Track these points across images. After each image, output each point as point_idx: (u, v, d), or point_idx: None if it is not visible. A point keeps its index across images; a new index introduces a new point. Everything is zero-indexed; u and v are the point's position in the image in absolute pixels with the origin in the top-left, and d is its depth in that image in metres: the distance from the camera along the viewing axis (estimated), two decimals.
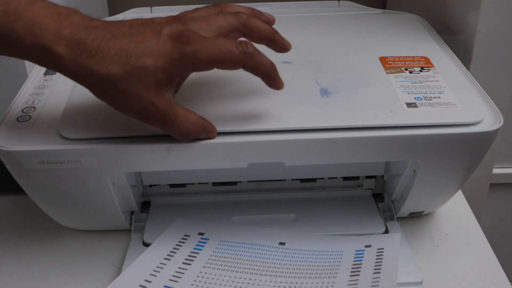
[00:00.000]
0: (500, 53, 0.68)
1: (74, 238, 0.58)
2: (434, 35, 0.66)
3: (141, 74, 0.42)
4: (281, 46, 0.49)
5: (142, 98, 0.43)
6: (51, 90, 0.55)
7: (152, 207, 0.60)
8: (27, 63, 0.61)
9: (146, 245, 0.56)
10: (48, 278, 0.54)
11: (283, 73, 0.53)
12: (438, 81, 0.54)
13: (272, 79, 0.46)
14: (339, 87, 0.53)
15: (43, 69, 0.59)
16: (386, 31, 0.67)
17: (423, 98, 0.51)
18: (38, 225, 0.60)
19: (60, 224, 0.57)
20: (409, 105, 0.50)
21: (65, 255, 0.56)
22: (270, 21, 0.51)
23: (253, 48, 0.44)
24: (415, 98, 0.51)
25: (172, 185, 0.61)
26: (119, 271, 0.53)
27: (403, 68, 0.56)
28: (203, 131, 0.46)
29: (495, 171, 0.81)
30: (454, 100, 0.51)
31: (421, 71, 0.56)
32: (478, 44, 0.67)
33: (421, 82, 0.54)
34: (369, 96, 0.52)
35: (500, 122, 0.49)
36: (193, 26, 0.45)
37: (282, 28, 0.67)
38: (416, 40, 0.65)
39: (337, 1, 0.75)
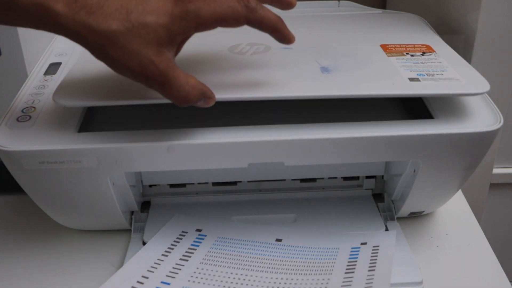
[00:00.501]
0: (500, 53, 0.68)
1: (74, 238, 0.58)
2: (435, 35, 0.66)
3: (141, 31, 0.41)
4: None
5: (141, 56, 0.41)
6: (51, 90, 0.55)
7: (152, 207, 0.60)
8: (27, 63, 0.61)
9: None
10: (48, 278, 0.54)
11: (283, 57, 0.52)
12: (440, 62, 0.53)
13: (280, 32, 0.45)
14: (339, 65, 0.52)
15: (43, 69, 0.60)
16: (386, 30, 0.67)
17: (426, 75, 0.50)
18: (38, 225, 0.60)
19: (60, 224, 0.57)
20: (412, 79, 0.49)
21: (65, 255, 0.56)
22: (291, 4, 0.48)
23: (255, 3, 0.43)
24: (417, 74, 0.50)
25: (172, 185, 0.61)
26: None
27: (404, 53, 0.55)
28: (202, 97, 0.45)
29: (495, 171, 0.81)
30: (457, 76, 0.50)
31: (422, 55, 0.55)
32: (478, 44, 0.67)
33: (423, 63, 0.53)
34: (371, 74, 0.51)
35: (500, 122, 0.49)
36: None
37: None
38: (416, 39, 0.64)
39: (337, 1, 0.75)
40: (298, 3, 0.74)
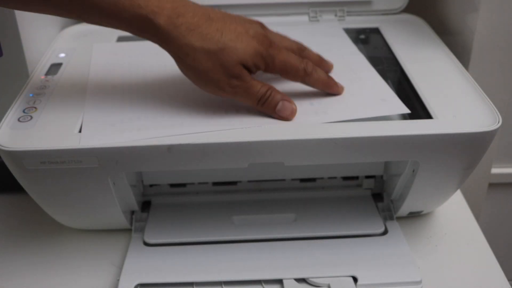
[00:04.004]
0: (499, 54, 0.68)
1: (74, 237, 0.58)
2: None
3: (231, 52, 0.48)
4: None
5: (228, 69, 0.48)
6: (52, 90, 0.56)
7: (153, 207, 0.61)
8: (29, 64, 0.61)
9: (147, 244, 0.56)
10: (48, 278, 0.54)
11: None
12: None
13: (329, 89, 0.54)
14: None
15: (44, 70, 0.60)
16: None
17: None
18: (38, 224, 0.60)
19: (60, 223, 0.58)
20: None
21: (66, 255, 0.56)
22: (329, 68, 0.59)
23: (311, 68, 0.52)
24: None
25: (172, 185, 0.61)
26: (119, 270, 0.53)
27: None
28: (280, 99, 0.50)
29: (494, 171, 0.81)
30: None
31: None
32: (477, 44, 0.67)
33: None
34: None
35: (498, 122, 0.49)
36: (271, 36, 0.54)
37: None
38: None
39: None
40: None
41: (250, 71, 0.50)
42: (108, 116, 0.51)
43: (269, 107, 0.50)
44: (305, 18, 0.73)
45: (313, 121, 0.50)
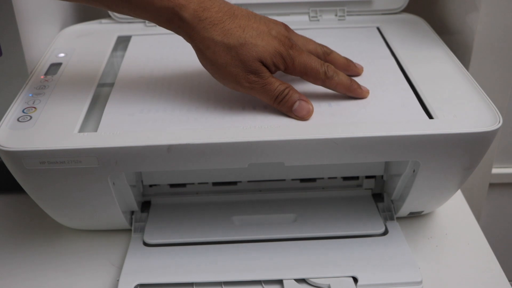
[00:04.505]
0: (500, 54, 0.68)
1: (74, 238, 0.58)
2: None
3: (251, 49, 0.49)
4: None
5: (247, 64, 0.49)
6: (51, 90, 0.56)
7: (152, 207, 0.61)
8: (28, 63, 0.61)
9: (147, 245, 0.56)
10: (48, 278, 0.54)
11: None
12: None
13: (352, 93, 0.54)
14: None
15: (44, 69, 0.60)
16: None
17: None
18: (38, 225, 0.60)
19: (60, 224, 0.58)
20: None
21: (65, 255, 0.56)
22: (358, 72, 0.59)
23: (332, 71, 0.52)
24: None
25: (172, 185, 0.61)
26: (119, 271, 0.53)
27: None
28: (298, 98, 0.51)
29: (494, 171, 0.81)
30: None
31: None
32: (477, 44, 0.67)
33: None
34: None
35: (499, 122, 0.49)
36: (294, 38, 0.54)
37: None
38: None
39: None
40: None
41: (269, 70, 0.51)
42: (130, 106, 0.53)
43: (286, 105, 0.51)
44: (305, 18, 0.73)
45: (328, 122, 0.50)
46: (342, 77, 0.53)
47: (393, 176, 0.58)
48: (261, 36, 0.50)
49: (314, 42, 0.57)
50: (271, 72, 0.51)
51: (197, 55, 0.51)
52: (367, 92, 0.54)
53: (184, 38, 0.51)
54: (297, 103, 0.51)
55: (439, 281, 0.52)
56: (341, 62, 0.57)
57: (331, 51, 0.57)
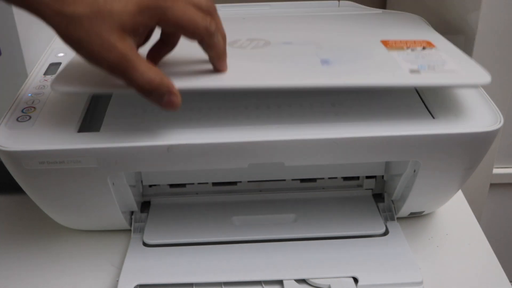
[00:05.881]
0: (500, 53, 0.68)
1: (73, 238, 0.58)
2: (435, 33, 0.66)
3: (106, 16, 0.42)
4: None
5: (104, 40, 0.42)
6: (51, 90, 0.55)
7: (152, 207, 0.60)
8: (27, 64, 0.61)
9: (146, 245, 0.56)
10: (48, 278, 0.54)
11: (282, 51, 0.52)
12: (440, 56, 0.52)
13: (219, 62, 0.48)
14: (339, 58, 0.52)
15: (43, 69, 0.60)
16: (387, 28, 0.67)
17: (427, 67, 0.49)
18: (38, 225, 0.60)
19: (60, 224, 0.58)
20: (413, 71, 0.49)
21: (65, 255, 0.56)
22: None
23: (215, 28, 0.45)
24: (418, 66, 0.50)
25: (172, 185, 0.61)
26: (119, 271, 0.53)
27: (404, 47, 0.55)
28: (166, 90, 0.44)
29: (495, 171, 0.81)
30: (458, 68, 0.50)
31: (423, 49, 0.54)
32: (478, 44, 0.67)
33: (424, 57, 0.52)
34: (371, 66, 0.51)
35: (500, 122, 0.49)
36: None
37: (281, 27, 0.67)
38: (417, 35, 0.64)
39: (337, 1, 0.75)
40: (298, 3, 0.75)
41: (139, 32, 0.44)
42: (131, 106, 0.52)
43: (153, 98, 0.44)
44: None
45: (328, 122, 0.49)
46: (221, 39, 0.47)
47: (393, 176, 0.58)
48: None
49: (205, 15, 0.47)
50: (143, 37, 0.45)
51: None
52: (226, 69, 0.49)
53: (34, 15, 0.43)
54: (165, 98, 0.44)
55: (439, 281, 0.52)
56: (222, 34, 0.48)
57: (215, 12, 0.48)
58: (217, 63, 0.48)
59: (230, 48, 0.55)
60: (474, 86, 0.47)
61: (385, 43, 0.56)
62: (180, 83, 0.45)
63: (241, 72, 0.49)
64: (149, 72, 0.43)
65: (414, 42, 0.57)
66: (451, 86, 0.47)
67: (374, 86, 0.48)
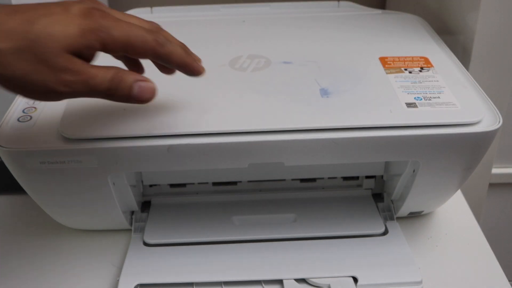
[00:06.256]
0: (500, 54, 0.68)
1: (74, 238, 0.58)
2: (434, 36, 0.66)
3: (48, 41, 0.38)
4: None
5: (53, 66, 0.38)
6: None
7: (153, 207, 0.61)
8: None
9: (147, 245, 0.56)
10: (48, 278, 0.54)
11: (283, 72, 0.53)
12: (437, 81, 0.54)
13: (187, 67, 0.44)
14: (339, 87, 0.53)
15: None
16: (386, 32, 0.68)
17: (423, 98, 0.51)
18: (38, 225, 0.60)
19: (60, 224, 0.58)
20: (409, 105, 0.50)
21: (66, 255, 0.56)
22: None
23: (164, 38, 0.42)
24: (414, 98, 0.51)
25: (172, 185, 0.61)
26: (119, 271, 0.53)
27: (402, 68, 0.56)
28: (134, 78, 0.42)
29: (494, 171, 0.81)
30: (454, 100, 0.51)
31: (420, 71, 0.56)
32: (477, 44, 0.67)
33: (421, 82, 0.54)
34: (369, 96, 0.52)
35: (499, 122, 0.49)
36: (107, 10, 0.42)
37: (281, 29, 0.67)
38: (415, 41, 0.65)
39: (336, 2, 0.75)
40: (297, 3, 0.75)
41: (84, 58, 0.40)
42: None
43: (122, 94, 0.41)
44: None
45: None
46: (176, 45, 0.43)
47: (393, 176, 0.58)
48: (56, 20, 0.38)
49: (138, 17, 0.44)
50: (88, 60, 0.41)
51: None
52: (203, 69, 0.45)
53: None
54: (136, 87, 0.41)
55: (439, 281, 0.52)
56: (176, 43, 0.45)
57: (161, 29, 0.45)
58: (186, 71, 0.45)
59: (232, 70, 0.55)
60: (468, 125, 0.49)
61: (383, 61, 0.57)
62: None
63: (235, 111, 0.49)
64: (107, 73, 0.40)
65: (412, 60, 0.58)
66: (445, 125, 0.49)
67: (370, 126, 0.48)
